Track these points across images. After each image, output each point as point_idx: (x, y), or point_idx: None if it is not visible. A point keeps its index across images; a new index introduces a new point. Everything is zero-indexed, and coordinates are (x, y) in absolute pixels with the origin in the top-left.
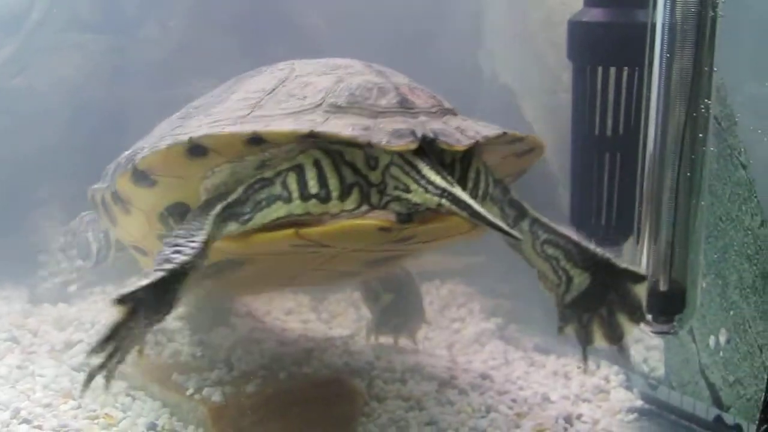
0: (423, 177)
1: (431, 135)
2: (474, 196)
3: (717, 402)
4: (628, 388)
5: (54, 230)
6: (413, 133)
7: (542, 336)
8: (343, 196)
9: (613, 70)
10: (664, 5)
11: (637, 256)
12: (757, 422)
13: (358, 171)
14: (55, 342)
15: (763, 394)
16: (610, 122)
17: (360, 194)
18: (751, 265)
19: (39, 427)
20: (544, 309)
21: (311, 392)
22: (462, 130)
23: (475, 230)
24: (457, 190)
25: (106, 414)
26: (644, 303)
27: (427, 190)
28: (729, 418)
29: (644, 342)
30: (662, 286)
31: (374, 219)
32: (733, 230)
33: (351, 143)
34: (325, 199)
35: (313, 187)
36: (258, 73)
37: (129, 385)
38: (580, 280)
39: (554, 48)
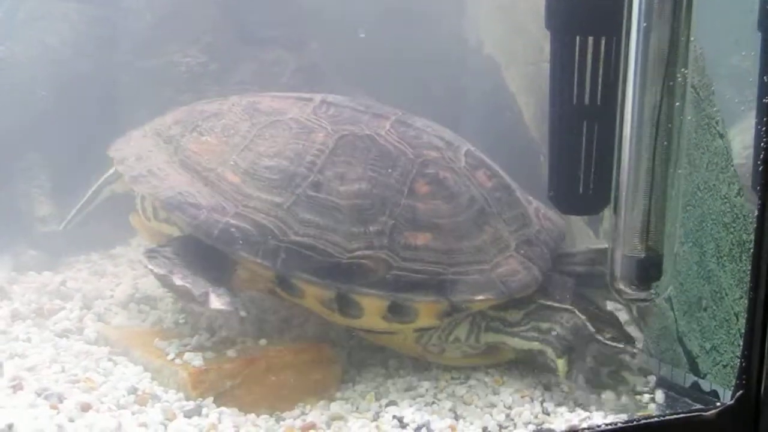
0: None
1: None
2: None
3: (694, 369)
4: None
5: (41, 199)
6: None
7: None
8: None
9: (591, 39)
10: None
11: (615, 225)
12: (732, 388)
13: None
14: (39, 309)
15: (739, 360)
16: (588, 91)
17: None
18: (728, 233)
19: (21, 387)
20: None
21: (290, 358)
22: None
23: None
24: None
25: (87, 378)
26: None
27: None
28: (705, 385)
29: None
30: (639, 254)
31: None
32: (710, 199)
33: None
34: None
35: None
36: None
37: (111, 351)
38: None
39: (536, 18)
